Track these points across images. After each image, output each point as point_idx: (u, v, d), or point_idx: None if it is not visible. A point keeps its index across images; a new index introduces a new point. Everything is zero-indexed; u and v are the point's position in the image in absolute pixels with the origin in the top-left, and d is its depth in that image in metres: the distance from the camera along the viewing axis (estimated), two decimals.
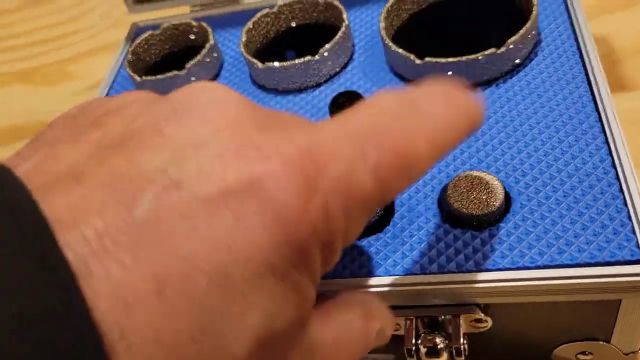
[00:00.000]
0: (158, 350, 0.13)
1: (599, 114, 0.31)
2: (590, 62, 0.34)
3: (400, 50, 0.35)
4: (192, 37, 0.44)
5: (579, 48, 0.35)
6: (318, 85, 0.39)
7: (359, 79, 0.38)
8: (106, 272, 0.13)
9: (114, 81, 0.45)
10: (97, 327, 0.12)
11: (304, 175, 0.15)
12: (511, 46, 0.34)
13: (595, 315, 0.28)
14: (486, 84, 0.35)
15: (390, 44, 0.36)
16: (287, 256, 0.15)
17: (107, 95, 0.44)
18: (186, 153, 0.14)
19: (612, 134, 0.30)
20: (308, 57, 0.37)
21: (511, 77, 0.35)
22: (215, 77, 0.42)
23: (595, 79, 0.33)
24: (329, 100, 0.38)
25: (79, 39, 0.70)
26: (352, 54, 0.40)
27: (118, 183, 0.14)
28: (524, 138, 0.32)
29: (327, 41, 0.39)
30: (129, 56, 0.43)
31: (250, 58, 0.39)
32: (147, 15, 0.49)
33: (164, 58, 0.44)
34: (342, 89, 0.38)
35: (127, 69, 0.41)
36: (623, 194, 0.28)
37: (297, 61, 0.37)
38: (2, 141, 0.61)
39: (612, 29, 0.51)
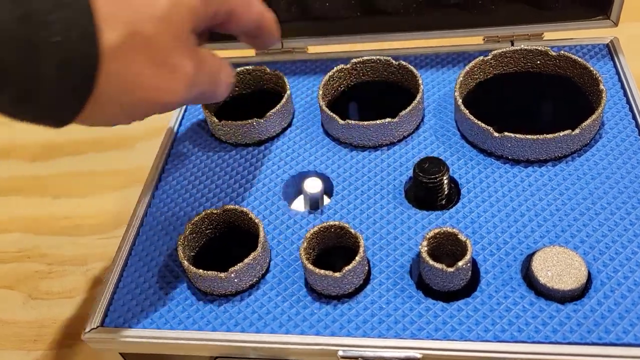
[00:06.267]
0: None
1: None
2: None
3: (479, 123, 0.38)
4: (265, 82, 0.45)
5: (639, 131, 0.39)
6: (392, 144, 0.41)
7: (431, 142, 0.41)
8: None
9: (182, 117, 0.46)
10: None
11: None
12: (584, 130, 0.37)
13: None
14: (556, 159, 0.38)
15: (469, 115, 0.38)
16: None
17: (177, 129, 0.46)
18: None
19: None
20: (388, 119, 0.39)
21: (579, 156, 0.38)
22: (289, 126, 0.44)
23: None
24: (404, 160, 0.40)
25: None
26: (423, 117, 0.43)
27: None
28: (598, 217, 0.35)
29: (396, 100, 0.41)
30: None
31: (330, 113, 0.41)
32: None
33: (233, 100, 0.46)
34: (415, 151, 0.40)
35: (204, 110, 0.43)
36: None
37: (377, 121, 0.39)
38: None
39: None
